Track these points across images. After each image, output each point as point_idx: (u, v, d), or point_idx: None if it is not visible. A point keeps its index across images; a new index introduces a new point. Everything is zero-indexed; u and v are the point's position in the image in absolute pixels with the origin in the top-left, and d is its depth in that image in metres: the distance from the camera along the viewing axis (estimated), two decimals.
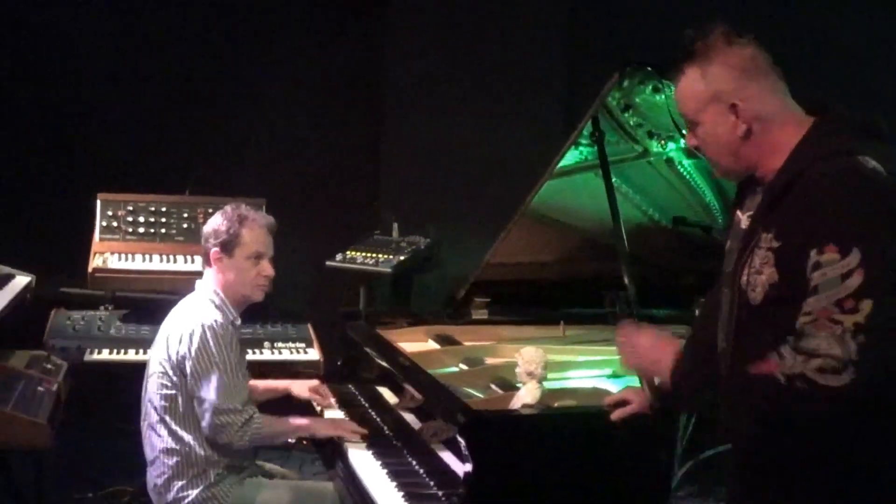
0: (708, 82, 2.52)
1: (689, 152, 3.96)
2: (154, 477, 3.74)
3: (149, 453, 3.78)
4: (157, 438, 3.72)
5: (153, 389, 3.73)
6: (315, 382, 4.26)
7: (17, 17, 5.96)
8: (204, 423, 3.64)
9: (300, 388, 4.20)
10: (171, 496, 3.69)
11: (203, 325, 3.62)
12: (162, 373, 3.69)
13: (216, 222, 3.81)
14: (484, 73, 6.40)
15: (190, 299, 3.84)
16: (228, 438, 3.63)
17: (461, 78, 6.41)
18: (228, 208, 3.86)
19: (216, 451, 3.69)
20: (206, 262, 3.84)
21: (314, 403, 4.17)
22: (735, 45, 2.52)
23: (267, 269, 3.86)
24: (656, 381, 2.90)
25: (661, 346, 2.86)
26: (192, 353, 3.60)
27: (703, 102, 2.54)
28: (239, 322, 3.87)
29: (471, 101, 6.38)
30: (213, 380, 3.59)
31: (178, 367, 3.64)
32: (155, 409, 3.71)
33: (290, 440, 4.41)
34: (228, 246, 3.77)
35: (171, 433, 3.68)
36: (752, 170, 2.54)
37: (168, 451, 3.68)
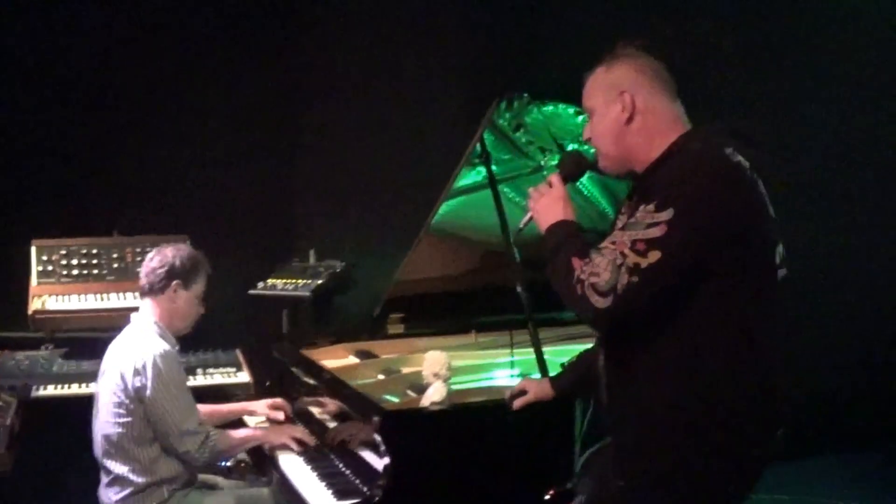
0: (609, 74, 2.82)
1: None
2: (112, 495, 3.92)
3: (104, 477, 3.98)
4: (113, 464, 3.91)
5: (107, 419, 3.92)
6: (275, 401, 4.47)
7: None
8: (167, 445, 3.88)
9: (261, 407, 4.44)
10: None
11: (155, 356, 3.86)
12: (117, 403, 3.88)
13: (174, 257, 4.05)
14: (392, 106, 6.55)
15: (132, 332, 4.03)
16: (191, 458, 3.88)
17: (369, 113, 6.55)
18: (180, 247, 4.14)
19: (171, 469, 3.92)
20: (152, 293, 4.05)
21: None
22: (643, 55, 2.83)
23: (202, 308, 4.18)
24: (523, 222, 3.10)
25: (551, 206, 2.91)
26: (150, 383, 3.82)
27: (600, 90, 2.82)
28: (178, 348, 4.11)
29: (378, 133, 6.53)
30: (172, 404, 3.85)
31: (137, 396, 3.84)
32: (109, 436, 3.90)
33: (233, 460, 4.67)
34: (189, 280, 4.06)
35: (128, 457, 3.88)
36: (630, 162, 2.79)
37: (123, 476, 3.89)
